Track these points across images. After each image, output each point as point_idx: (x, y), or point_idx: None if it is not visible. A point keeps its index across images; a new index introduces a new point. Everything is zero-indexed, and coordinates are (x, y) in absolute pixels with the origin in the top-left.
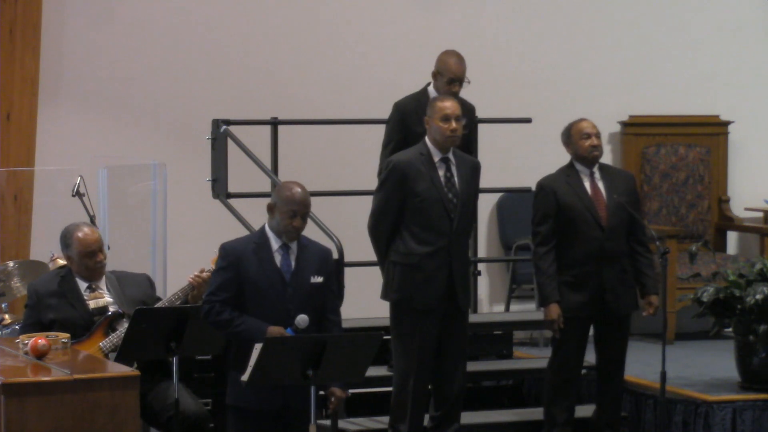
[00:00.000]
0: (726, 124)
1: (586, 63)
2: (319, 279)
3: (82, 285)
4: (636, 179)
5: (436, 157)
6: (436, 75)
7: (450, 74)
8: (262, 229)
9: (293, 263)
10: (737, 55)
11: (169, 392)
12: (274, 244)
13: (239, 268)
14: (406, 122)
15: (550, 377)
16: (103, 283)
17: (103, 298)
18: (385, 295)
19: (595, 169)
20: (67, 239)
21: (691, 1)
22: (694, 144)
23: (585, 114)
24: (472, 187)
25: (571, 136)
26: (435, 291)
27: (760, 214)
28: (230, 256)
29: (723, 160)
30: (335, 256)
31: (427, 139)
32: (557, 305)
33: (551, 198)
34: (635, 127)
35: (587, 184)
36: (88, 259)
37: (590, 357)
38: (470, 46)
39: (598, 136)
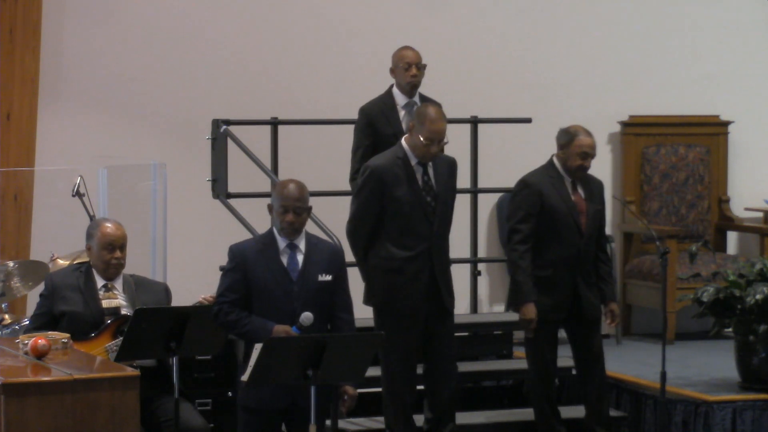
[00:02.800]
0: (726, 124)
1: (586, 63)
2: (328, 277)
3: (99, 282)
4: (604, 187)
5: (413, 160)
6: (393, 70)
7: (405, 60)
8: (270, 229)
9: (300, 262)
10: (737, 55)
11: (171, 407)
12: (281, 243)
13: (246, 269)
14: (373, 125)
15: (535, 382)
16: (119, 284)
17: (117, 300)
18: (367, 300)
19: None
20: (91, 229)
21: (691, 2)
22: (694, 144)
23: (585, 114)
24: (450, 188)
25: (570, 147)
26: (417, 293)
27: (760, 214)
28: (237, 258)
29: (723, 160)
30: None
31: (403, 142)
32: (534, 305)
33: (536, 197)
34: (635, 127)
35: (569, 188)
36: (106, 252)
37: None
38: (470, 46)
39: (593, 156)
